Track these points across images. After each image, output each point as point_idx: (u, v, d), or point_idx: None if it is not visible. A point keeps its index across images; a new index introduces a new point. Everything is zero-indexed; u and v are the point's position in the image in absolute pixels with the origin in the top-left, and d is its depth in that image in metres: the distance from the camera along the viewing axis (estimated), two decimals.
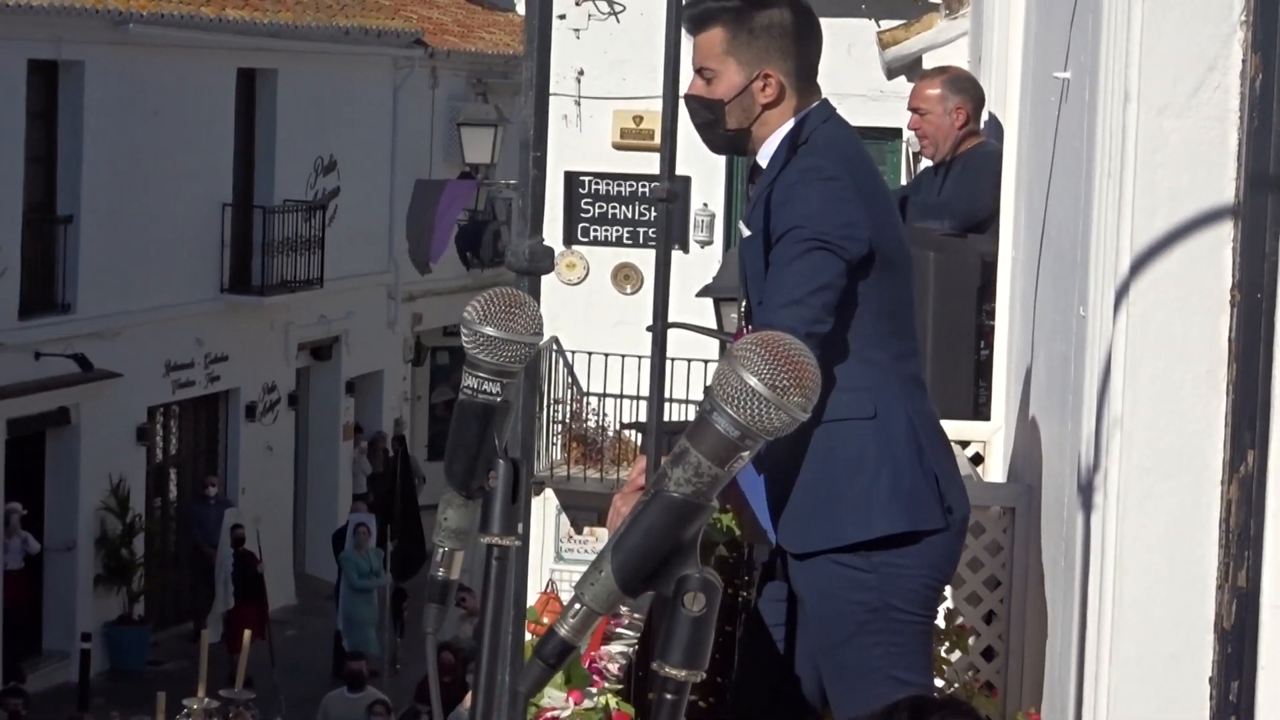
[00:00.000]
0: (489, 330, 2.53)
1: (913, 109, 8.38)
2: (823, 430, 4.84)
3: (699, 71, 4.92)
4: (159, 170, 25.88)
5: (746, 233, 5.09)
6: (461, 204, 29.02)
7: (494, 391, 2.55)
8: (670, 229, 5.89)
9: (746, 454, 2.11)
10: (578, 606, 2.14)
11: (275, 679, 23.37)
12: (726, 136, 5.05)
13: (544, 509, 20.15)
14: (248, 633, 18.16)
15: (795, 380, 2.07)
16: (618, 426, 20.93)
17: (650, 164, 20.49)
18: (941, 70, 8.87)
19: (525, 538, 2.56)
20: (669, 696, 2.07)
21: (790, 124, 4.99)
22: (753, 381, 2.07)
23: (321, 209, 29.31)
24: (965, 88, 8.34)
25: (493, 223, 31.86)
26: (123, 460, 26.14)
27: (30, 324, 24.23)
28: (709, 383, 2.25)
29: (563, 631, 2.14)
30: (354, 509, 28.12)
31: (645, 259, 21.40)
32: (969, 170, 8.25)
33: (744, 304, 5.39)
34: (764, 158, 5.03)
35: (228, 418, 28.92)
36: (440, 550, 2.67)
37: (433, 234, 27.85)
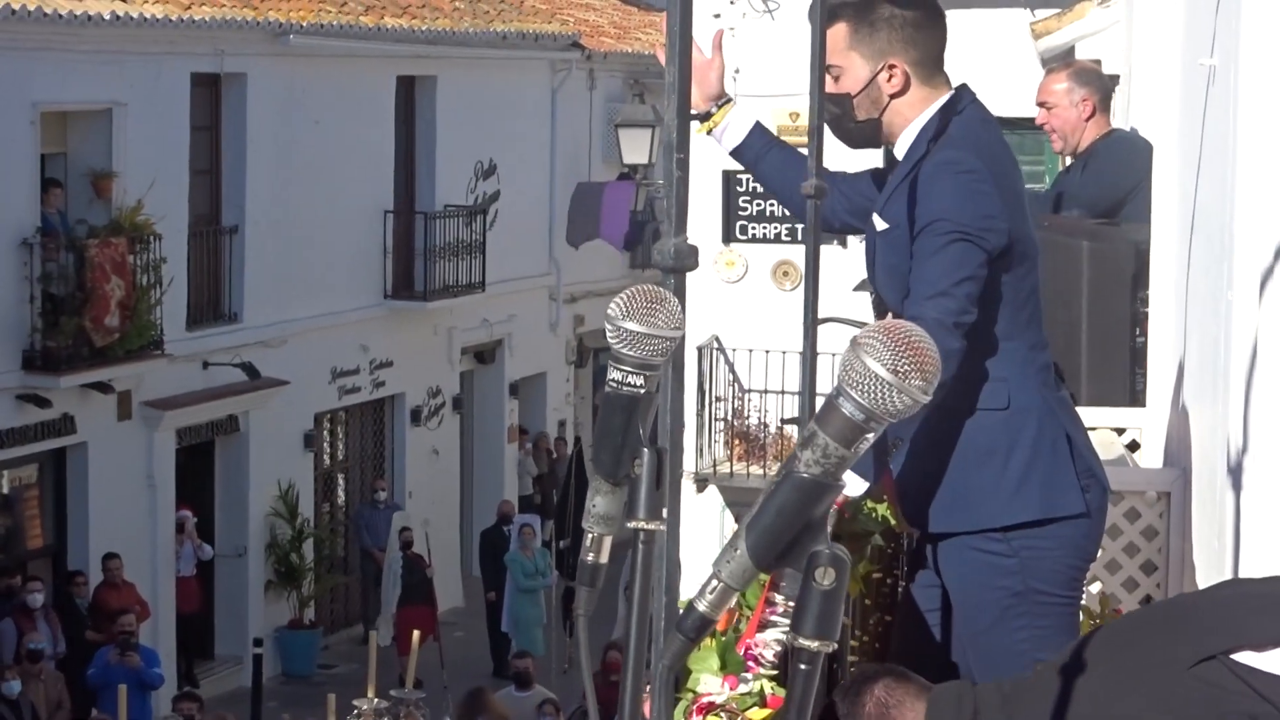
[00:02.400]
0: (631, 325, 2.62)
1: (1040, 104, 8.35)
2: (961, 420, 4.95)
3: (825, 69, 4.93)
4: (321, 179, 26.10)
5: (882, 225, 5.14)
6: (625, 203, 29.12)
7: (638, 384, 2.64)
8: (819, 225, 5.97)
9: (871, 436, 2.20)
10: (715, 583, 2.23)
11: (445, 680, 23.57)
12: (858, 129, 5.15)
13: (708, 506, 20.15)
14: (416, 633, 18.36)
15: (916, 365, 2.16)
16: (779, 422, 20.93)
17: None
18: (1067, 63, 8.85)
19: (672, 523, 2.64)
20: (803, 666, 2.16)
21: (927, 114, 5.07)
22: (876, 367, 2.15)
23: (482, 213, 29.45)
24: (1091, 79, 8.32)
25: (651, 222, 31.89)
26: (291, 466, 26.40)
27: (198, 334, 24.53)
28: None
29: (701, 607, 2.23)
30: (501, 509, 28.17)
31: (801, 256, 21.35)
32: (1095, 158, 8.25)
33: (873, 295, 5.44)
34: (901, 149, 5.12)
35: (393, 422, 29.14)
36: (589, 535, 2.77)
37: (598, 229, 28.22)
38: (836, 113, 5.08)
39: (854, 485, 5.05)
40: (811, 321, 6.10)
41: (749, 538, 2.23)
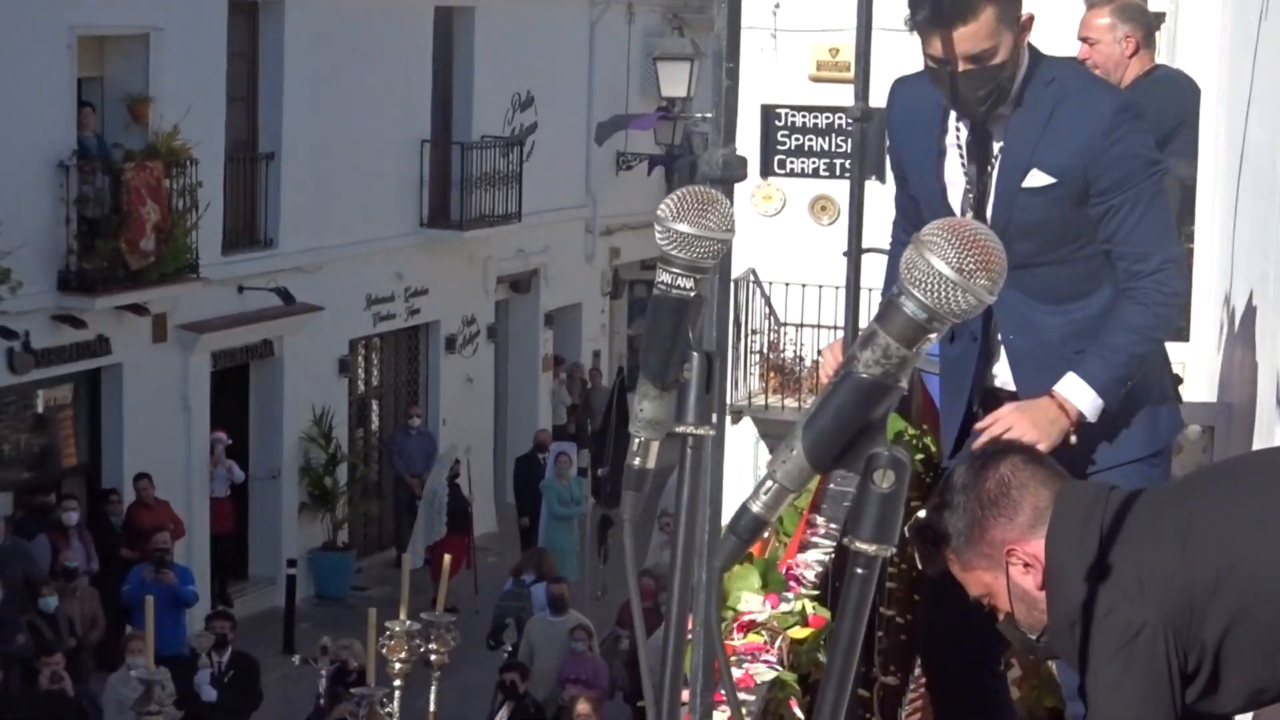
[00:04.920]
0: (682, 227, 2.57)
1: (1082, 39, 8.19)
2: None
3: (973, 57, 4.90)
4: (358, 108, 26.08)
5: (1045, 180, 5.07)
6: (653, 124, 29.23)
7: (687, 287, 2.59)
8: (865, 147, 5.91)
9: (934, 336, 2.14)
10: (770, 484, 2.18)
11: (476, 605, 23.67)
12: (1005, 92, 5.04)
13: (742, 438, 20.16)
14: (447, 557, 18.39)
15: (982, 264, 2.10)
16: (815, 355, 20.92)
17: (846, 96, 20.44)
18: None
19: (720, 429, 2.59)
20: (860, 571, 2.11)
21: (1026, 60, 5.05)
22: (940, 265, 2.09)
23: (519, 144, 29.43)
24: (1134, 15, 8.17)
25: (688, 155, 31.86)
26: (325, 392, 26.46)
27: (234, 259, 24.56)
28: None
29: (755, 508, 2.18)
30: (538, 437, 28.26)
31: (841, 190, 21.32)
32: (1138, 95, 8.20)
33: None
34: (1009, 103, 5.06)
35: (428, 350, 29.19)
36: (637, 440, 2.72)
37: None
38: (994, 87, 4.99)
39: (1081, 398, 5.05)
40: (856, 250, 6.05)
41: (805, 438, 2.17)
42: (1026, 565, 3.96)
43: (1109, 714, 3.85)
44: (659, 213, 2.59)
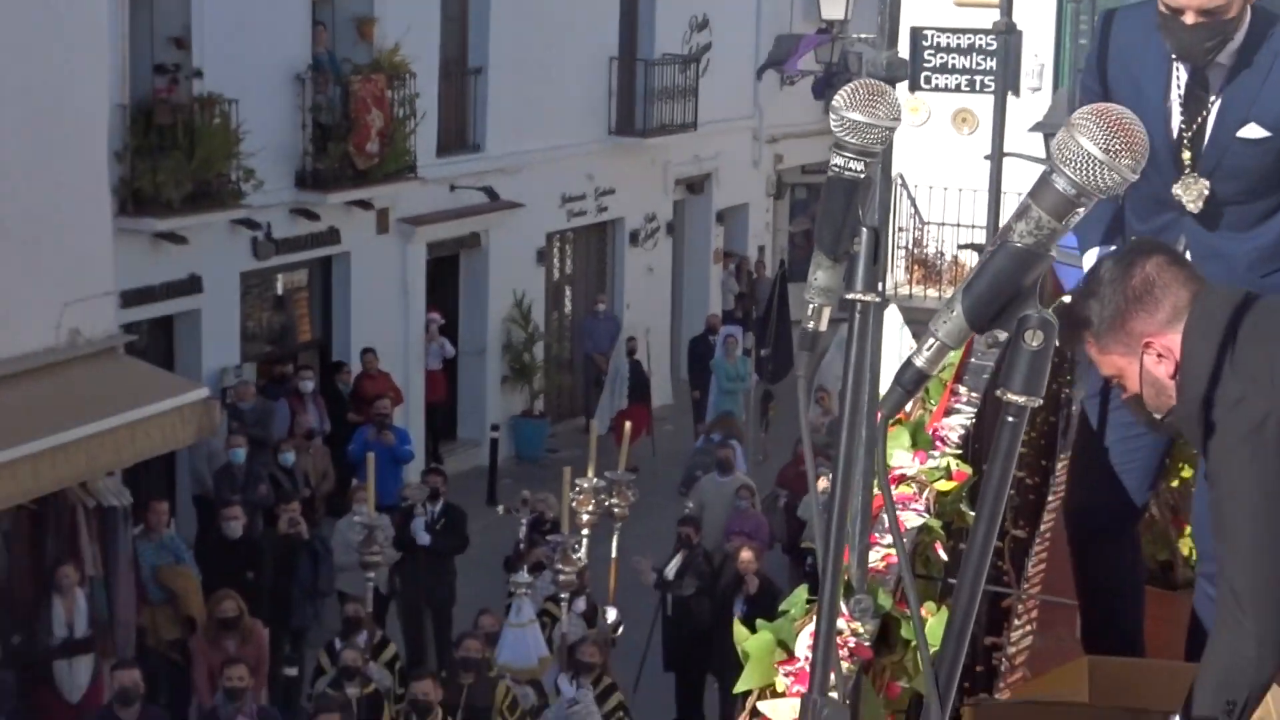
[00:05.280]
0: (855, 115, 2.55)
1: None
2: None
3: (1208, 11, 4.69)
4: (555, 28, 26.11)
5: (1261, 134, 4.85)
6: (809, 49, 29.05)
7: (858, 169, 2.57)
8: (1008, 61, 5.85)
9: (1081, 210, 2.10)
10: (932, 341, 2.16)
11: (656, 467, 23.78)
12: (1227, 42, 4.83)
13: (888, 323, 20.02)
14: (629, 424, 18.68)
15: (1126, 145, 2.06)
16: (955, 250, 20.80)
17: (985, 20, 20.21)
18: None
19: (883, 295, 2.57)
20: (1010, 419, 2.09)
21: (1249, 12, 4.83)
22: (1089, 146, 2.06)
23: (695, 61, 29.34)
24: None
25: (844, 73, 31.59)
26: (525, 279, 26.62)
27: (446, 161, 24.67)
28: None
29: (919, 362, 2.17)
30: (709, 321, 28.33)
31: (978, 103, 21.10)
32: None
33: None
34: (1229, 50, 4.85)
35: (614, 243, 29.25)
36: (810, 305, 2.71)
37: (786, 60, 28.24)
38: (1222, 34, 4.77)
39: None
40: (998, 153, 5.98)
41: (965, 301, 2.15)
42: (1160, 356, 3.92)
43: (1236, 496, 3.80)
44: (834, 103, 2.58)
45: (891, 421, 3.63)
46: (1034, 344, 2.11)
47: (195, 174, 19.82)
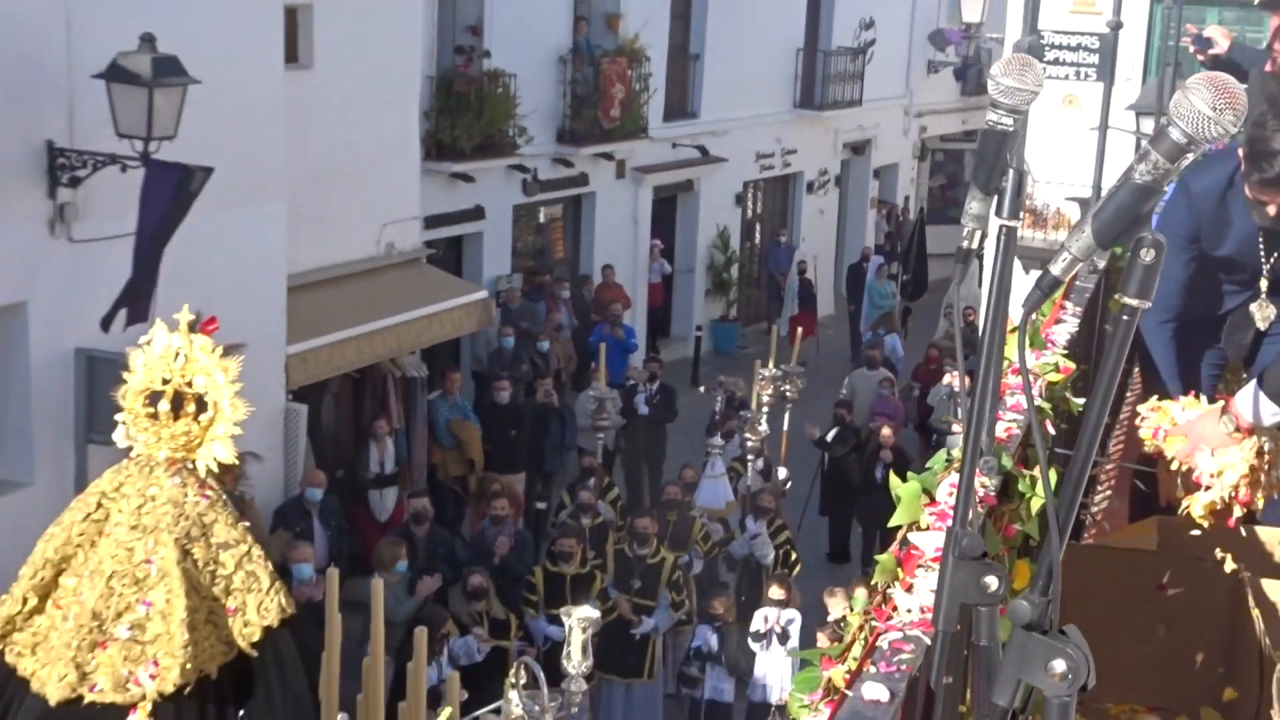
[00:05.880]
0: (1008, 81, 2.48)
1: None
2: None
3: None
4: (756, 24, 25.81)
5: None
6: (956, 40, 28.60)
7: (1008, 124, 2.51)
8: (1115, 49, 5.67)
9: (1190, 156, 2.03)
10: (1066, 254, 2.10)
11: (819, 362, 23.63)
12: None
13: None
14: (799, 328, 18.54)
15: (1229, 104, 1.98)
16: (1059, 201, 20.38)
17: (1087, 24, 19.79)
18: None
19: (1016, 219, 2.51)
20: (1125, 318, 2.03)
21: None
22: (1200, 104, 1.98)
23: (862, 53, 28.89)
24: None
25: (978, 64, 31.04)
26: (726, 216, 26.51)
27: (670, 125, 24.57)
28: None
29: (1055, 271, 2.10)
30: (863, 251, 28.02)
31: (1081, 89, 20.58)
32: None
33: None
34: None
35: (794, 191, 28.97)
36: (965, 229, 2.66)
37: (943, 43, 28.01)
38: None
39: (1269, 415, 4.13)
40: (1103, 126, 5.81)
41: (1094, 223, 2.08)
42: None
43: None
44: (992, 70, 2.51)
45: (1013, 328, 3.54)
46: (1146, 259, 2.04)
47: (482, 130, 19.96)
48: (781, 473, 15.97)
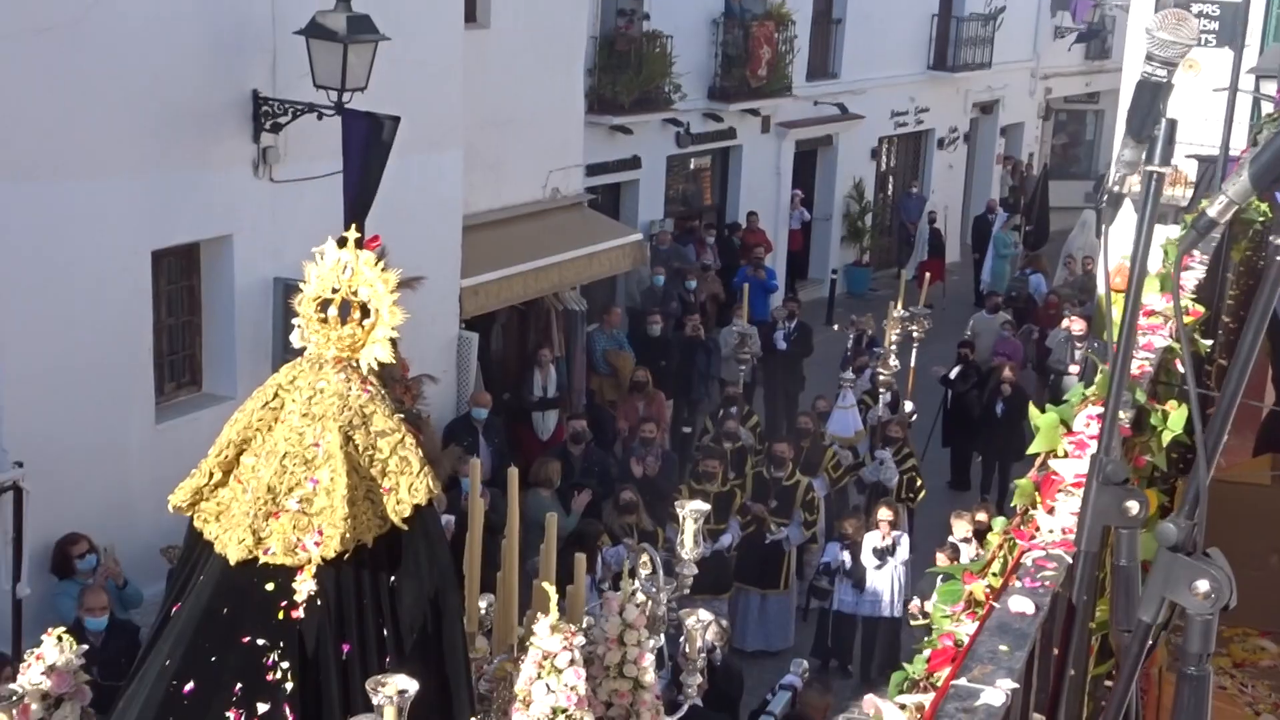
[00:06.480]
0: (1163, 35, 2.38)
1: None
2: None
3: None
4: None
5: None
6: (1087, 7, 27.91)
7: (1162, 75, 2.41)
8: (1246, 19, 5.45)
9: None
10: (1222, 197, 2.02)
11: (944, 305, 23.29)
12: None
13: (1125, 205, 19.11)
14: (928, 273, 18.29)
15: None
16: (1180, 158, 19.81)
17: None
18: None
19: (1167, 165, 2.41)
20: (1279, 258, 1.94)
21: None
22: None
23: (992, 19, 28.24)
24: None
25: (1104, 30, 30.21)
26: (861, 168, 26.16)
27: (812, 84, 24.25)
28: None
29: (1211, 212, 2.02)
30: (988, 203, 27.48)
31: (1201, 54, 19.92)
32: None
33: None
34: None
35: (926, 147, 28.48)
36: (1116, 173, 2.57)
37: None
38: None
39: None
40: (1233, 88, 5.59)
41: (1251, 170, 1.99)
42: None
43: None
44: (1147, 25, 2.41)
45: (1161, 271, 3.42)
46: None
47: (640, 86, 19.87)
48: (908, 406, 15.81)
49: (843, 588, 13.13)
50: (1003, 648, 2.19)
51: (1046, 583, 2.39)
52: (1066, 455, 3.11)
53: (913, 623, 11.93)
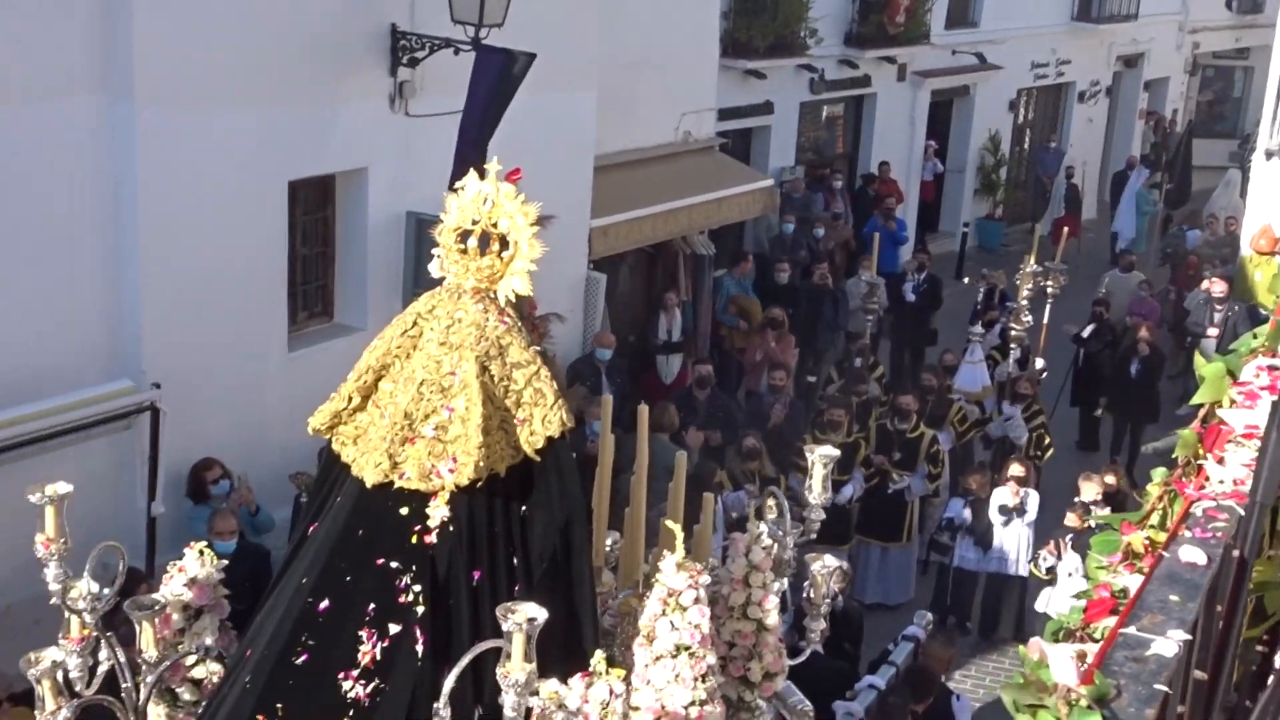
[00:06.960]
0: None
1: None
2: None
3: None
4: None
5: None
6: None
7: None
8: None
9: None
10: None
11: (1079, 262, 22.81)
12: None
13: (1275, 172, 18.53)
14: (1065, 229, 17.91)
15: None
16: None
17: None
18: None
19: None
20: None
21: None
22: None
23: None
24: None
25: None
26: (998, 120, 25.65)
27: (951, 33, 23.77)
28: None
29: None
30: (1129, 160, 26.79)
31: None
32: None
33: None
34: None
35: (1066, 100, 27.78)
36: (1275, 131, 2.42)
37: None
38: None
39: None
40: None
41: None
42: None
43: None
44: None
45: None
46: None
47: (776, 31, 19.66)
48: (1039, 363, 15.55)
49: (964, 544, 12.98)
50: (1174, 598, 2.10)
51: (1218, 534, 2.28)
52: (1234, 405, 2.98)
53: (1034, 574, 11.75)
